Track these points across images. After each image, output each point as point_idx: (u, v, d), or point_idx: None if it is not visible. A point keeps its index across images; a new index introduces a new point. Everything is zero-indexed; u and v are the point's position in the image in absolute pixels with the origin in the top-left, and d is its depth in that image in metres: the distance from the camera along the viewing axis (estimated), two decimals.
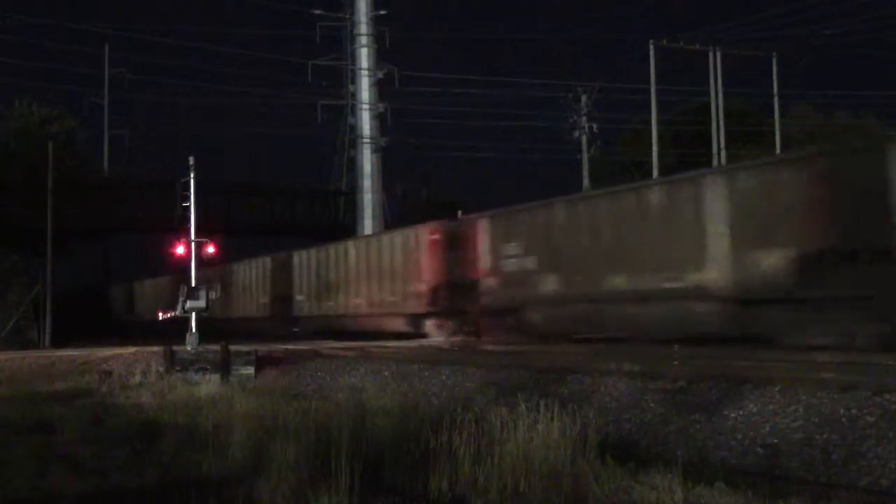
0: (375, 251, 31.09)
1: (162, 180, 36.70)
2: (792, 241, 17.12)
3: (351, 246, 33.50)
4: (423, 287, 28.02)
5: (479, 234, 25.79)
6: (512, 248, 24.32)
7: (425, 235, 28.47)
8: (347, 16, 45.43)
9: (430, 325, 27.75)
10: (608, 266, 21.14)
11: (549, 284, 22.87)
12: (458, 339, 25.88)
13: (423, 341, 26.18)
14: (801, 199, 17.02)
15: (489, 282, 25.22)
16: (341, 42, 46.03)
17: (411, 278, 28.68)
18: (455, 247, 27.04)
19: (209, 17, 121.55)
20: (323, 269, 34.41)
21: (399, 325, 29.13)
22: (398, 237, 30.54)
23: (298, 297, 36.29)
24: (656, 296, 19.68)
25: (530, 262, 23.55)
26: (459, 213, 30.17)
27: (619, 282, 20.87)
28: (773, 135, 38.42)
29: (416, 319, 28.36)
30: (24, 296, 36.91)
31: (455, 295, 26.53)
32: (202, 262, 22.23)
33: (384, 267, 30.17)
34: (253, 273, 40.98)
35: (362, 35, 45.11)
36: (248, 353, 19.59)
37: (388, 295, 29.87)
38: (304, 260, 36.39)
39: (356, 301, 31.84)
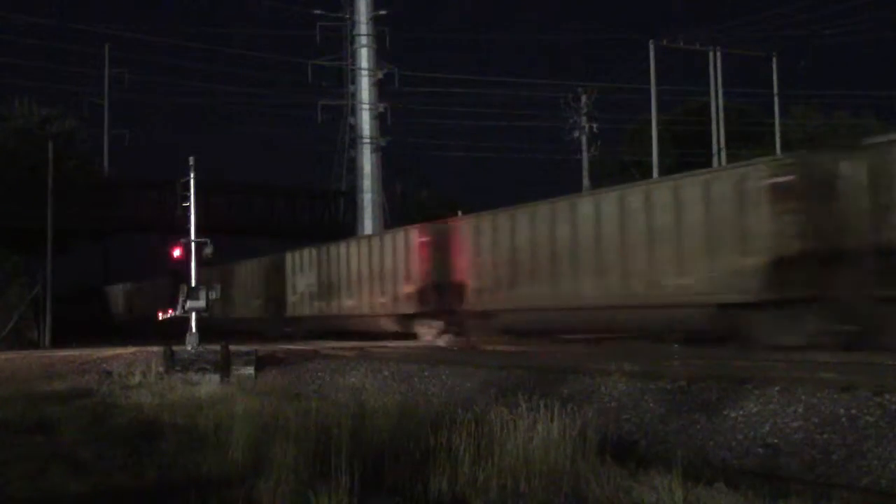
0: (641, 210, 19.73)
1: (162, 180, 36.69)
2: None
3: (586, 203, 22.01)
4: (755, 260, 17.21)
5: None
6: None
7: (755, 180, 17.49)
8: (347, 16, 45.41)
9: (764, 321, 16.86)
10: None
11: None
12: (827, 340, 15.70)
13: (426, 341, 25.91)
14: None
15: None
16: (341, 42, 46.10)
17: (723, 246, 17.89)
18: (826, 193, 16.22)
19: (209, 17, 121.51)
20: (523, 243, 23.21)
21: (692, 321, 18.63)
22: (695, 186, 18.78)
23: (476, 284, 24.83)
24: None
25: None
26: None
27: None
28: (773, 135, 38.48)
29: (730, 314, 17.56)
30: (24, 296, 36.91)
31: (827, 272, 15.89)
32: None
33: (662, 232, 19.16)
34: (387, 253, 29.10)
35: (362, 35, 45.10)
36: (248, 353, 19.62)
37: (667, 276, 19.01)
38: (486, 230, 24.75)
39: (581, 283, 21.21)
